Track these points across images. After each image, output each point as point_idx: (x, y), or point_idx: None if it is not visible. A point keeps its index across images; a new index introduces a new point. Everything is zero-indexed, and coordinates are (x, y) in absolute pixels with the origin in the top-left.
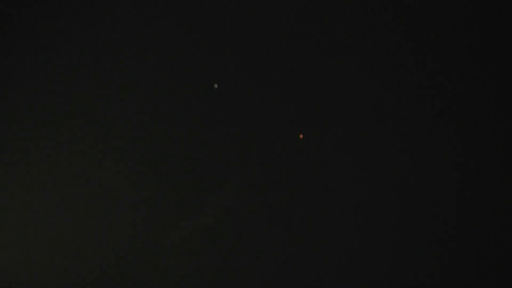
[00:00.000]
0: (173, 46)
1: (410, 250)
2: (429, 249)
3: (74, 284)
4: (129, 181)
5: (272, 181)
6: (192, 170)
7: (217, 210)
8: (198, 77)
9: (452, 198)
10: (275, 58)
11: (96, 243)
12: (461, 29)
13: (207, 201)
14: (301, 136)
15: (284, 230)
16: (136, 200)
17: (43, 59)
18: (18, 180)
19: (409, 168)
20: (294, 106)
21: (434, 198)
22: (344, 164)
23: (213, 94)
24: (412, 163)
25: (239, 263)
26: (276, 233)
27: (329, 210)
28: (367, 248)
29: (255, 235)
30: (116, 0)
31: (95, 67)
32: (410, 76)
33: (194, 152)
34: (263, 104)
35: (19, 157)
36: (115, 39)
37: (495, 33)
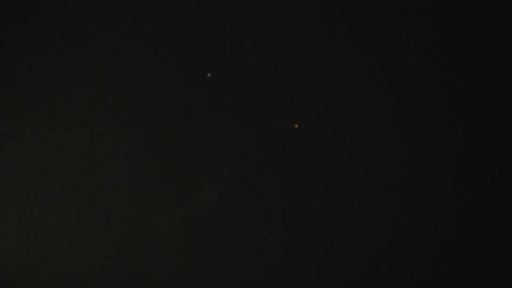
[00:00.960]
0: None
1: (409, 249)
2: (428, 248)
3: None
4: (124, 172)
5: (266, 172)
6: (187, 160)
7: (210, 198)
8: (192, 70)
9: (452, 198)
10: (276, 54)
11: (92, 230)
12: (461, 29)
13: (201, 189)
14: (296, 126)
15: (277, 219)
16: (132, 190)
17: (43, 59)
18: (16, 175)
19: (409, 168)
20: (288, 96)
21: (434, 197)
22: (342, 161)
23: (208, 87)
24: (411, 163)
25: (232, 251)
26: (269, 222)
27: (324, 201)
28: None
29: (248, 223)
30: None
31: (94, 67)
32: (410, 76)
33: (188, 142)
34: (258, 97)
35: (18, 155)
36: (115, 38)
37: (495, 33)
